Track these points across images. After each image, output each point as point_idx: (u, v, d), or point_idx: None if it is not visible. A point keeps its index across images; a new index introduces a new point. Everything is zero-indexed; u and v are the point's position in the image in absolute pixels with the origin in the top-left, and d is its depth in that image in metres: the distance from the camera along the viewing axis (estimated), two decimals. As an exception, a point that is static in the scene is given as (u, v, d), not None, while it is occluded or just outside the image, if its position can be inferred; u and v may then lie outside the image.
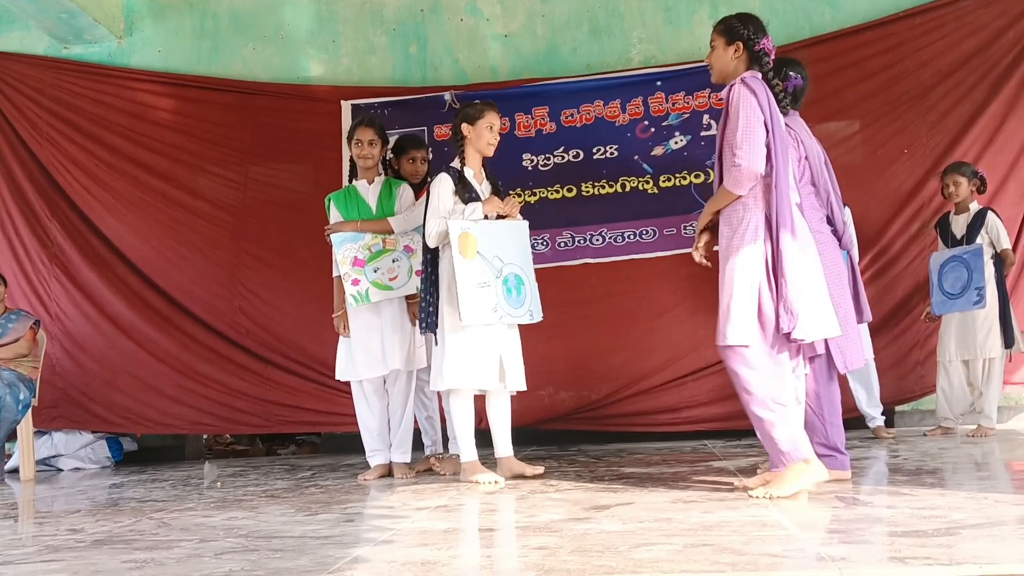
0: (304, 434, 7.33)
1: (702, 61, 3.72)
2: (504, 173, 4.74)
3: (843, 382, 4.98)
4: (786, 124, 3.80)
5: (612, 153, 6.23)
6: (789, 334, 3.34)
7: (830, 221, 3.94)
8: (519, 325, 4.40)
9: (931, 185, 5.95)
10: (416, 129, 6.16)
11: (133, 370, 6.38)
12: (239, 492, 4.40)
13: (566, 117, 6.28)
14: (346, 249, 4.66)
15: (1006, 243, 5.59)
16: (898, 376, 6.03)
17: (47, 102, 6.58)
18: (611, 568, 2.24)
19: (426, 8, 6.65)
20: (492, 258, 4.25)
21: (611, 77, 6.30)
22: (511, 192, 5.14)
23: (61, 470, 6.22)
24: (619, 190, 6.20)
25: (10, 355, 5.76)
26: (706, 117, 6.10)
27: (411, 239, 4.73)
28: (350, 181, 4.89)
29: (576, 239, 6.20)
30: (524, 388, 4.40)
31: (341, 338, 4.78)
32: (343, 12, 6.70)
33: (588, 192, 6.23)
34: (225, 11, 6.78)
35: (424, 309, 4.36)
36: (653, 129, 6.20)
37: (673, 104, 6.18)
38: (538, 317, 4.41)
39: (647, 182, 6.15)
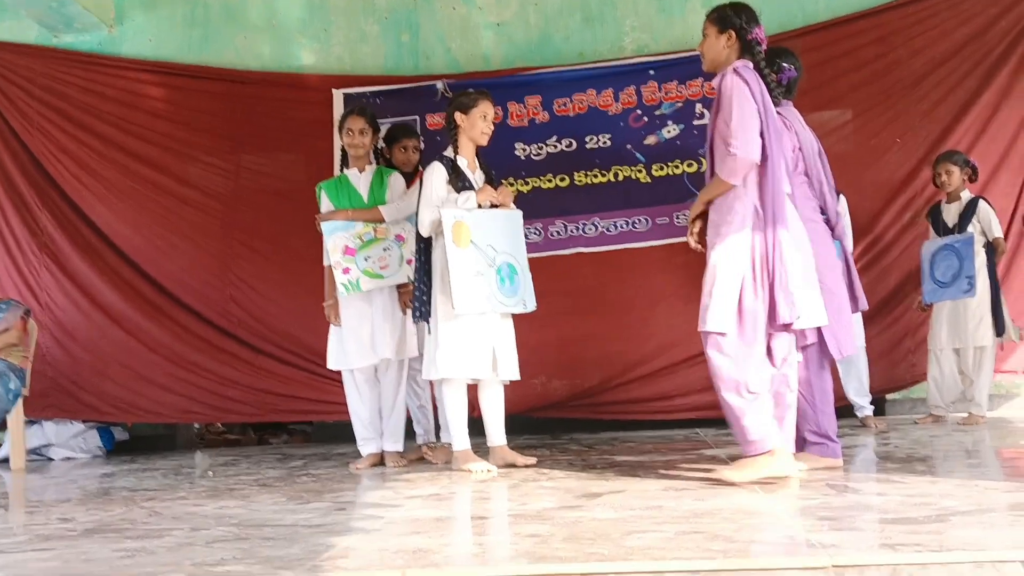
0: (296, 423, 7.32)
1: (695, 50, 3.72)
2: (497, 162, 4.73)
3: (835, 371, 5.01)
4: (780, 114, 3.81)
5: (605, 142, 6.21)
6: (788, 324, 3.35)
7: (823, 211, 3.95)
8: (512, 314, 4.39)
9: (924, 174, 5.96)
10: (408, 118, 6.13)
11: (124, 359, 6.36)
12: (231, 481, 4.39)
13: (559, 106, 6.26)
14: (337, 238, 4.64)
15: (997, 232, 5.60)
16: (889, 364, 6.04)
17: (37, 91, 6.53)
18: (603, 555, 2.24)
19: (418, -4, 6.63)
20: (486, 247, 4.24)
21: (604, 66, 6.28)
22: (504, 181, 5.13)
23: (52, 459, 6.21)
24: (612, 179, 6.19)
25: (0, 345, 5.73)
26: (699, 106, 6.08)
27: (402, 228, 4.73)
28: (341, 170, 4.88)
29: (569, 228, 6.19)
30: (517, 377, 4.40)
31: (332, 327, 4.77)
32: (335, 1, 6.67)
33: (581, 181, 6.21)
34: (216, -1, 6.75)
35: (417, 298, 4.36)
36: (646, 118, 6.18)
37: (666, 93, 6.17)
38: (532, 306, 4.41)
39: (640, 171, 6.14)
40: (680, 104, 6.13)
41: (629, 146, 6.17)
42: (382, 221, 4.69)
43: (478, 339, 4.24)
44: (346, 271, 4.61)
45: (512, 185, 5.96)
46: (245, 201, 6.44)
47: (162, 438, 6.69)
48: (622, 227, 6.14)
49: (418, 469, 4.56)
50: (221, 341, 6.37)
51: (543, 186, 6.21)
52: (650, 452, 4.76)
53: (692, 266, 3.61)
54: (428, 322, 4.34)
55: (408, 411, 4.99)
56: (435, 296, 4.30)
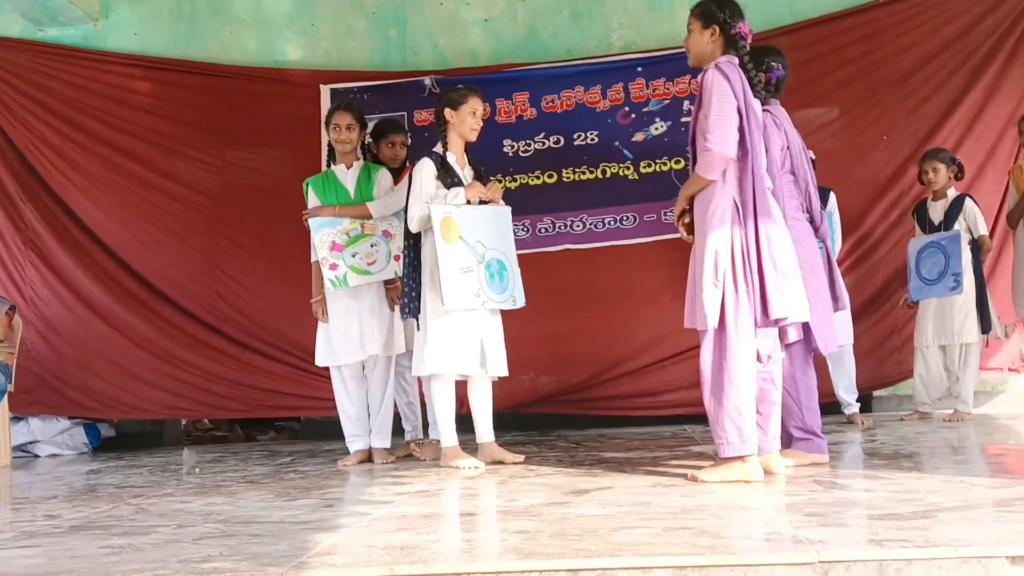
0: (283, 420, 7.30)
1: (682, 47, 3.72)
2: (485, 159, 4.73)
3: (819, 368, 5.02)
4: (770, 112, 3.82)
5: (593, 139, 6.22)
6: (779, 320, 3.35)
7: (808, 211, 3.96)
8: (501, 311, 4.39)
9: (911, 172, 5.97)
10: (396, 114, 6.12)
11: (109, 355, 6.33)
12: (218, 478, 4.38)
13: (547, 103, 6.26)
14: (324, 234, 4.63)
15: (983, 229, 5.63)
16: (876, 362, 6.07)
17: (22, 85, 6.49)
18: (590, 552, 2.24)
19: (406, -9, 6.62)
20: (475, 243, 4.24)
21: (592, 63, 6.29)
22: (492, 178, 5.13)
23: (38, 456, 6.18)
24: (600, 176, 6.19)
25: (-15, 341, 5.71)
26: (686, 103, 6.09)
27: (389, 224, 4.72)
28: (328, 166, 4.87)
29: (557, 225, 6.19)
30: (506, 374, 4.40)
31: (320, 324, 4.76)
32: (322, -5, 6.65)
33: (569, 178, 6.22)
34: (202, -7, 6.72)
35: (406, 294, 4.35)
36: (634, 115, 6.19)
37: (653, 90, 6.17)
38: (521, 303, 4.40)
39: (628, 168, 6.15)
40: (668, 101, 6.13)
41: (617, 143, 6.17)
42: (369, 217, 4.68)
43: (467, 335, 4.24)
44: (333, 267, 4.60)
45: (500, 182, 5.96)
46: (231, 196, 6.42)
47: (149, 435, 6.67)
48: (610, 224, 6.14)
49: (406, 465, 4.56)
50: (207, 337, 6.35)
51: (531, 183, 6.22)
52: (638, 448, 4.77)
53: (680, 262, 3.62)
54: (417, 318, 4.33)
55: (396, 408, 4.99)
56: (424, 292, 4.29)
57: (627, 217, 6.12)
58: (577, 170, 6.20)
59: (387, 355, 4.73)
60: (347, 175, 4.77)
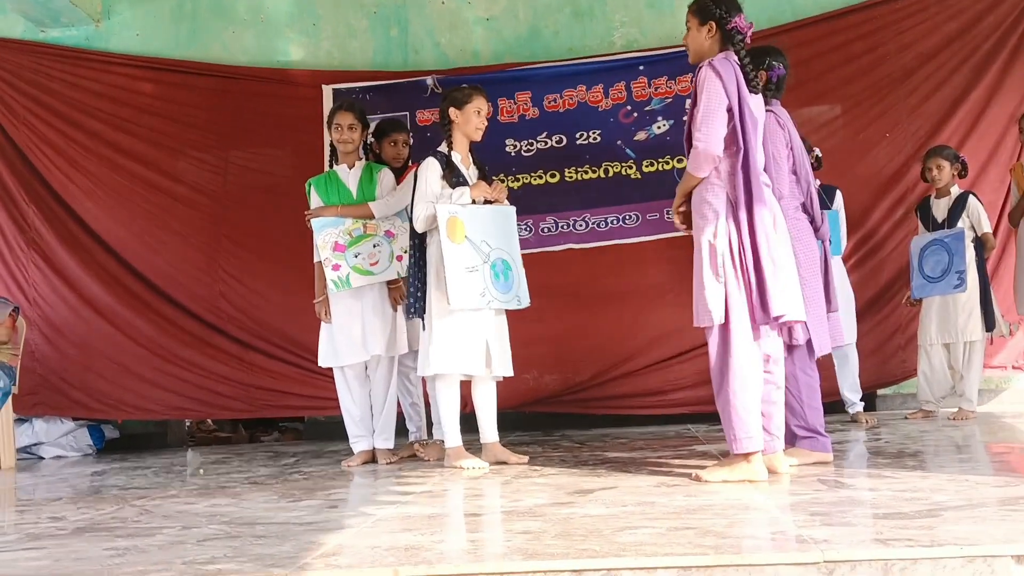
0: (287, 420, 7.31)
1: (683, 45, 3.72)
2: (487, 159, 4.73)
3: (826, 367, 5.02)
4: (772, 112, 3.82)
5: (595, 138, 6.21)
6: (778, 317, 3.35)
7: (808, 211, 3.96)
8: (505, 311, 4.39)
9: (914, 169, 5.97)
10: (398, 114, 6.12)
11: (113, 355, 6.34)
12: (222, 479, 4.38)
13: (549, 102, 6.26)
14: (327, 234, 4.63)
15: (987, 227, 5.61)
16: (880, 360, 6.07)
17: (24, 86, 6.50)
18: (595, 552, 2.24)
19: (407, -10, 6.61)
20: (480, 243, 4.24)
21: (594, 62, 6.29)
22: (496, 177, 5.13)
23: (42, 458, 6.18)
24: (602, 175, 6.19)
25: (-10, 342, 5.72)
26: (688, 102, 6.06)
27: (392, 224, 4.71)
28: (331, 166, 4.86)
29: (559, 224, 6.19)
30: (511, 374, 4.40)
31: (323, 324, 4.76)
32: (323, -5, 6.65)
33: (571, 178, 6.21)
34: (204, -6, 6.72)
35: (412, 294, 4.35)
36: (636, 114, 6.18)
37: (655, 89, 6.17)
38: (526, 302, 4.41)
39: (630, 167, 6.15)
40: (670, 100, 6.13)
41: (619, 142, 6.17)
42: (372, 217, 4.68)
43: (472, 335, 4.24)
44: (336, 267, 4.60)
45: (503, 181, 5.96)
46: (234, 197, 6.42)
47: (153, 436, 6.67)
48: (612, 223, 6.14)
49: (410, 466, 4.56)
50: (210, 337, 6.35)
51: (533, 182, 6.21)
52: (642, 448, 4.76)
53: (683, 261, 3.62)
54: (423, 318, 4.33)
55: (401, 408, 4.99)
56: (430, 292, 4.29)
57: (630, 216, 6.12)
58: (580, 169, 6.20)
59: (390, 355, 4.73)
60: (349, 175, 4.77)
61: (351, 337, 4.65)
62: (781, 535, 2.42)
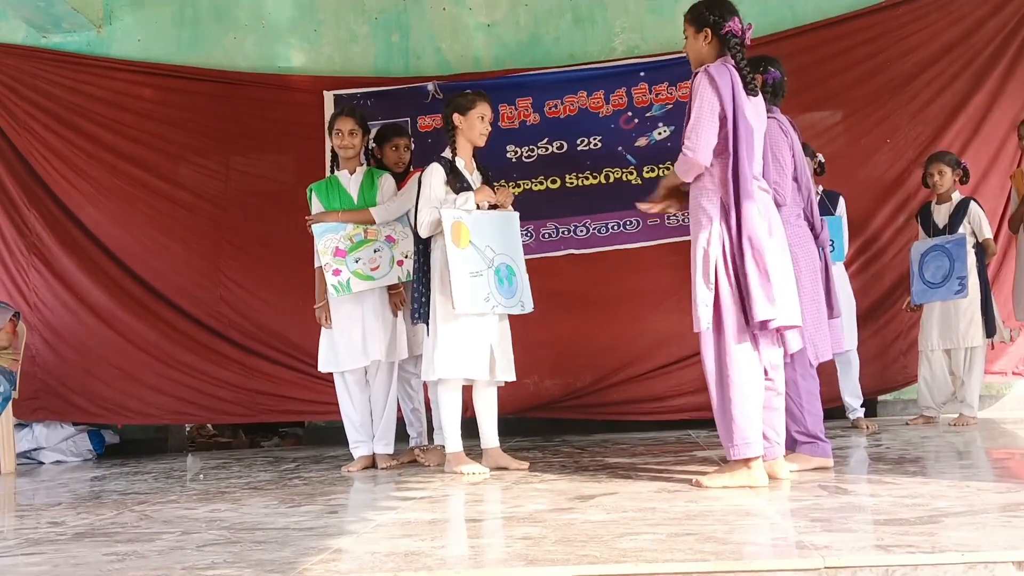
0: (287, 426, 7.30)
1: (684, 53, 3.73)
2: (488, 165, 4.72)
3: (826, 372, 5.02)
4: (775, 118, 3.83)
5: (596, 144, 6.21)
6: (766, 322, 3.34)
7: (808, 218, 3.97)
8: (508, 315, 4.39)
9: (916, 175, 5.97)
10: (399, 120, 6.13)
11: (114, 360, 6.33)
12: (222, 484, 4.38)
13: (550, 108, 6.26)
14: (327, 239, 4.63)
15: (988, 233, 5.61)
16: (881, 366, 6.07)
17: (26, 91, 6.49)
18: (595, 558, 2.24)
19: (408, -3, 6.62)
20: (484, 248, 4.25)
21: (594, 68, 6.29)
22: (498, 183, 5.13)
23: (42, 463, 6.18)
24: (603, 181, 6.19)
25: (-9, 347, 5.71)
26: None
27: (392, 229, 4.72)
28: (332, 171, 4.87)
29: (560, 230, 6.19)
30: (513, 379, 4.40)
31: (323, 329, 4.76)
32: (324, 1, 6.65)
33: (572, 183, 6.22)
34: None
35: (416, 299, 4.36)
36: (636, 120, 6.19)
37: (656, 95, 6.17)
38: (529, 308, 4.41)
39: (631, 173, 6.15)
40: (670, 106, 6.13)
41: (620, 148, 6.17)
42: (372, 222, 4.68)
43: (476, 340, 4.24)
44: (336, 273, 4.61)
45: (504, 187, 5.96)
46: (235, 202, 6.42)
47: (153, 441, 6.66)
48: (613, 228, 6.14)
49: (410, 471, 4.56)
50: (211, 341, 6.35)
51: (534, 188, 6.21)
52: (642, 454, 4.76)
53: (683, 267, 3.63)
54: (427, 323, 4.33)
55: (401, 414, 4.99)
56: (434, 297, 4.29)
57: (630, 222, 6.12)
58: (580, 175, 6.20)
59: (390, 360, 4.73)
60: (350, 180, 4.77)
61: (351, 342, 4.65)
62: (782, 541, 2.41)
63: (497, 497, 3.54)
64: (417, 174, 4.71)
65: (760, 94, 3.58)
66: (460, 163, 4.40)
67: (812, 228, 3.96)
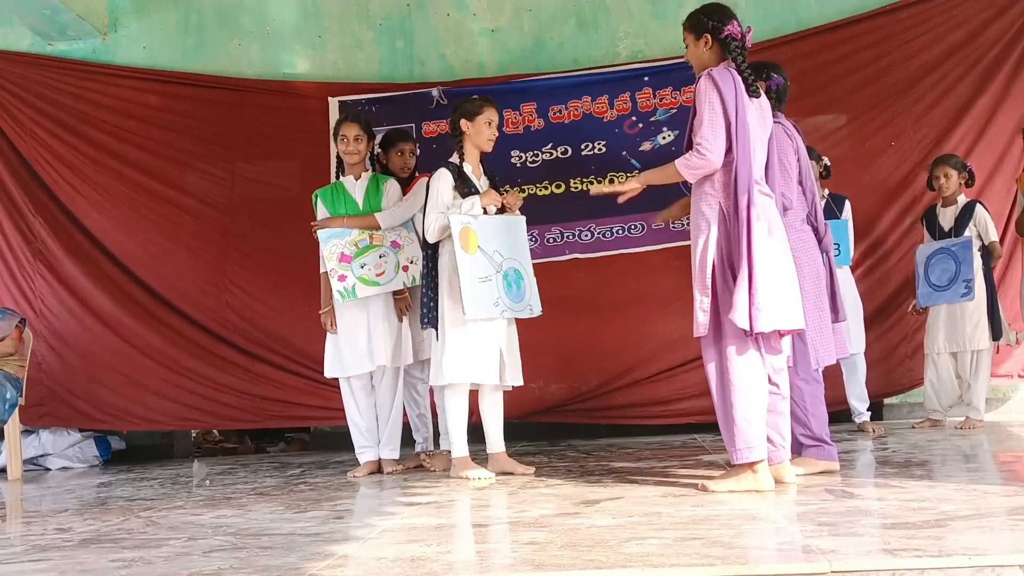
0: (293, 431, 7.30)
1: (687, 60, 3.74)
2: (493, 170, 4.74)
3: (832, 376, 5.01)
4: (780, 123, 3.83)
5: (600, 149, 6.22)
6: (750, 329, 3.32)
7: (812, 222, 3.97)
8: (515, 320, 4.40)
9: (920, 178, 5.97)
10: (404, 126, 6.13)
11: (119, 366, 6.33)
12: (228, 490, 4.38)
13: (554, 113, 6.27)
14: (333, 245, 4.64)
15: (994, 236, 5.61)
16: (887, 369, 6.05)
17: (31, 98, 6.51)
18: (601, 562, 2.24)
19: (412, 2, 6.62)
20: (492, 253, 4.26)
21: (598, 72, 6.29)
22: (504, 188, 5.14)
23: (49, 469, 6.19)
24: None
25: (-3, 354, 5.72)
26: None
27: (398, 234, 4.72)
28: (337, 177, 4.88)
29: (565, 235, 6.19)
30: (521, 383, 4.41)
31: (329, 335, 4.77)
32: (329, 7, 6.66)
33: (576, 188, 6.21)
34: (210, 6, 6.73)
35: (425, 304, 4.37)
36: (641, 125, 6.19)
37: (660, 99, 6.18)
38: (538, 311, 4.43)
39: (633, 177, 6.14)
40: (675, 110, 6.13)
41: (624, 153, 6.17)
42: (378, 228, 4.69)
43: (486, 345, 4.25)
44: (342, 278, 4.61)
45: (507, 192, 5.96)
46: (241, 208, 6.43)
47: (159, 447, 6.68)
48: (618, 232, 6.14)
49: (416, 477, 4.56)
50: (217, 348, 6.35)
51: (539, 193, 6.22)
52: (648, 458, 4.76)
53: (688, 271, 3.62)
54: (436, 328, 4.33)
55: (407, 419, 4.99)
56: (442, 302, 4.30)
57: (635, 226, 6.12)
58: (585, 180, 6.20)
59: (395, 366, 4.73)
60: (356, 186, 4.78)
61: (357, 348, 4.66)
62: (788, 545, 2.41)
63: (503, 502, 3.54)
64: (423, 179, 4.73)
65: (763, 95, 3.59)
66: (468, 168, 4.41)
67: (816, 232, 3.96)
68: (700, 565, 2.15)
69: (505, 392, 4.48)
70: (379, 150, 5.04)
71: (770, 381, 3.49)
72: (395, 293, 4.73)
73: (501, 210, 4.46)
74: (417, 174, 4.99)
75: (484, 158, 4.54)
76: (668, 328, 5.98)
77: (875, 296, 6.03)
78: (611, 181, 6.15)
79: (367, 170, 4.85)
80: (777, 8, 6.32)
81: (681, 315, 5.80)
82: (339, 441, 6.02)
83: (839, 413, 5.53)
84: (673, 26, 6.31)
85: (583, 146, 6.22)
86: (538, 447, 5.70)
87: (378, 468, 4.76)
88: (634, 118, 6.18)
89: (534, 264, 4.54)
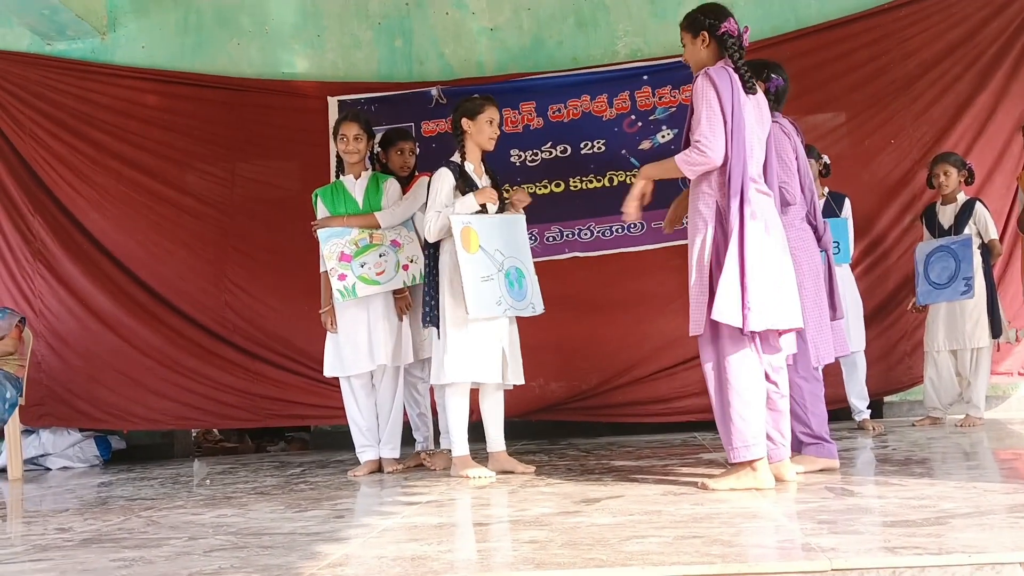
0: (293, 430, 7.31)
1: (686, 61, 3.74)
2: (493, 169, 4.74)
3: (832, 374, 5.02)
4: (778, 123, 3.83)
5: (599, 148, 6.22)
6: (744, 328, 3.32)
7: (811, 220, 3.97)
8: (516, 318, 4.40)
9: (920, 176, 5.97)
10: (403, 125, 6.12)
11: (119, 366, 6.33)
12: (228, 489, 4.38)
13: (553, 112, 6.27)
14: (332, 244, 4.64)
15: (994, 234, 5.61)
16: (887, 367, 6.06)
17: (30, 98, 6.50)
18: (602, 561, 2.24)
19: (411, 2, 6.62)
20: (493, 252, 4.26)
21: (598, 71, 6.29)
22: (507, 187, 5.14)
23: (49, 469, 6.19)
24: (607, 184, 6.19)
25: (-3, 353, 5.72)
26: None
27: (398, 233, 4.72)
28: (337, 176, 4.88)
29: (564, 233, 6.19)
30: (523, 382, 4.41)
31: (329, 334, 4.77)
32: (328, 6, 6.66)
33: (576, 187, 6.22)
34: (208, 6, 6.72)
35: (427, 303, 4.37)
36: (640, 123, 6.19)
37: (660, 98, 6.18)
38: (540, 309, 4.44)
39: (634, 176, 6.11)
40: (674, 109, 6.13)
41: (624, 151, 6.17)
42: (378, 227, 4.69)
43: (488, 343, 4.26)
44: (342, 277, 4.61)
45: (509, 191, 5.96)
46: (241, 208, 6.43)
47: (159, 447, 6.68)
48: (617, 231, 6.15)
49: (416, 476, 4.56)
50: (217, 347, 6.35)
51: (538, 192, 6.21)
52: (648, 456, 4.76)
53: (687, 269, 3.63)
54: (437, 327, 4.33)
55: (407, 418, 4.99)
56: (444, 300, 4.30)
57: (635, 225, 6.11)
58: (584, 179, 6.20)
59: (395, 365, 4.73)
60: (355, 185, 4.78)
61: (357, 347, 4.66)
62: (788, 543, 2.41)
63: (503, 501, 3.54)
64: (422, 178, 4.73)
65: (760, 92, 3.60)
66: (469, 167, 4.42)
67: (815, 231, 3.97)
68: (700, 563, 2.16)
69: (506, 391, 4.49)
70: (379, 149, 5.04)
71: (769, 379, 3.50)
72: (395, 292, 4.73)
73: (502, 208, 4.46)
74: (417, 173, 4.99)
75: (485, 157, 4.54)
76: (668, 326, 5.97)
77: (875, 294, 6.03)
78: (611, 181, 6.17)
79: (367, 169, 4.85)
80: (776, 7, 6.31)
81: (681, 313, 5.75)
82: (339, 440, 6.03)
83: (839, 411, 5.53)
84: (672, 25, 6.28)
85: (582, 145, 6.22)
86: (538, 446, 5.70)
87: (378, 467, 4.76)
88: (633, 117, 6.18)
89: (534, 263, 4.54)
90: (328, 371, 4.80)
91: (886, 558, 2.12)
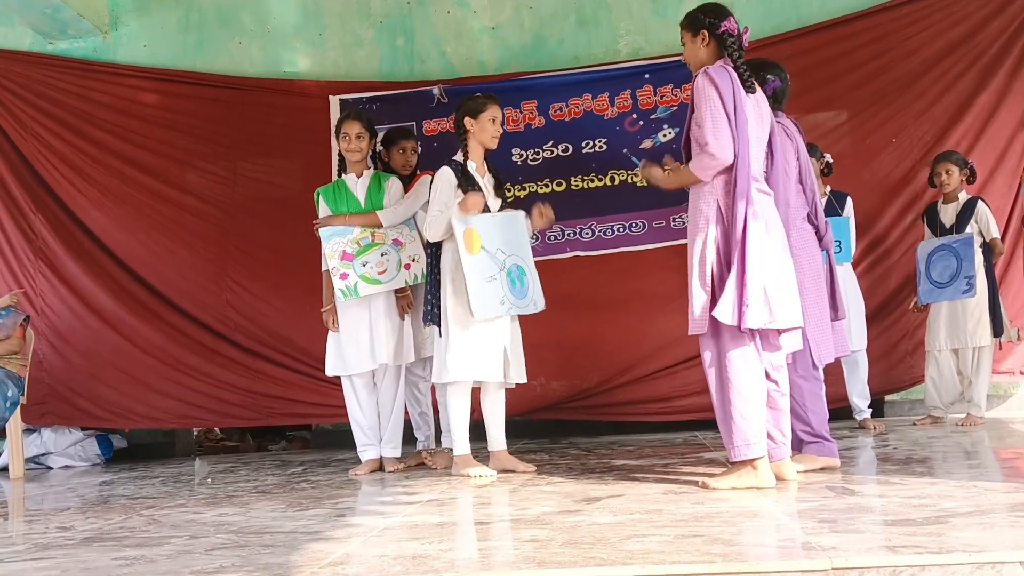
0: (294, 429, 7.31)
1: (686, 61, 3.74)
2: (495, 167, 4.74)
3: (833, 373, 5.02)
4: (779, 123, 3.83)
5: (601, 147, 6.22)
6: (740, 325, 3.33)
7: (813, 220, 3.97)
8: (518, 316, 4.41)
9: (921, 175, 5.97)
10: (405, 124, 6.12)
11: (120, 364, 6.34)
12: (229, 488, 4.39)
13: (555, 111, 6.27)
14: (334, 243, 4.64)
15: (995, 232, 5.61)
16: (888, 366, 6.06)
17: (32, 97, 6.51)
18: (602, 560, 2.24)
19: (412, 0, 6.62)
20: (495, 251, 4.26)
21: (599, 70, 6.29)
22: (508, 187, 5.14)
23: (51, 468, 6.19)
24: (608, 183, 6.20)
25: (1, 352, 5.72)
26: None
27: (400, 232, 4.72)
28: (339, 175, 4.88)
29: (566, 232, 6.19)
30: (525, 381, 4.42)
31: (330, 333, 4.77)
32: (329, 5, 6.66)
33: (577, 186, 6.22)
34: (210, 5, 6.73)
35: (428, 302, 4.37)
36: (641, 122, 6.19)
37: (661, 97, 6.18)
38: (541, 306, 4.44)
39: (636, 175, 6.15)
40: (675, 108, 6.13)
41: (625, 150, 6.18)
42: (379, 226, 4.69)
43: (490, 342, 4.26)
44: (344, 276, 4.61)
45: (510, 191, 5.97)
46: (242, 207, 6.44)
47: (160, 446, 6.68)
48: (619, 230, 6.15)
49: (418, 475, 4.56)
50: (218, 345, 6.36)
51: (539, 191, 6.22)
52: (649, 455, 4.76)
53: (687, 268, 3.63)
54: (439, 325, 4.34)
55: (409, 417, 4.99)
56: (445, 299, 4.30)
57: (636, 224, 6.12)
58: (586, 178, 6.21)
59: (397, 364, 4.73)
60: (357, 184, 4.78)
61: (359, 346, 4.66)
62: (789, 542, 2.41)
63: (504, 500, 3.54)
64: (424, 177, 4.73)
65: (760, 91, 3.60)
66: (472, 166, 4.41)
67: (816, 230, 3.96)
68: (701, 562, 2.16)
69: (507, 389, 4.49)
70: (380, 148, 5.04)
71: (769, 378, 3.50)
72: (397, 291, 4.73)
73: (502, 207, 4.46)
74: (418, 172, 4.99)
75: (488, 156, 4.54)
76: (669, 325, 5.97)
77: (876, 293, 6.03)
78: (612, 180, 6.17)
79: (369, 168, 4.85)
80: (778, 5, 6.30)
81: (682, 312, 5.72)
82: (341, 439, 6.03)
83: (840, 410, 5.53)
84: (673, 23, 6.25)
85: (584, 144, 6.22)
86: (539, 444, 5.71)
87: (380, 466, 4.76)
88: (635, 115, 6.18)
89: (535, 262, 4.54)
90: (330, 370, 4.80)
91: (887, 557, 2.12)
